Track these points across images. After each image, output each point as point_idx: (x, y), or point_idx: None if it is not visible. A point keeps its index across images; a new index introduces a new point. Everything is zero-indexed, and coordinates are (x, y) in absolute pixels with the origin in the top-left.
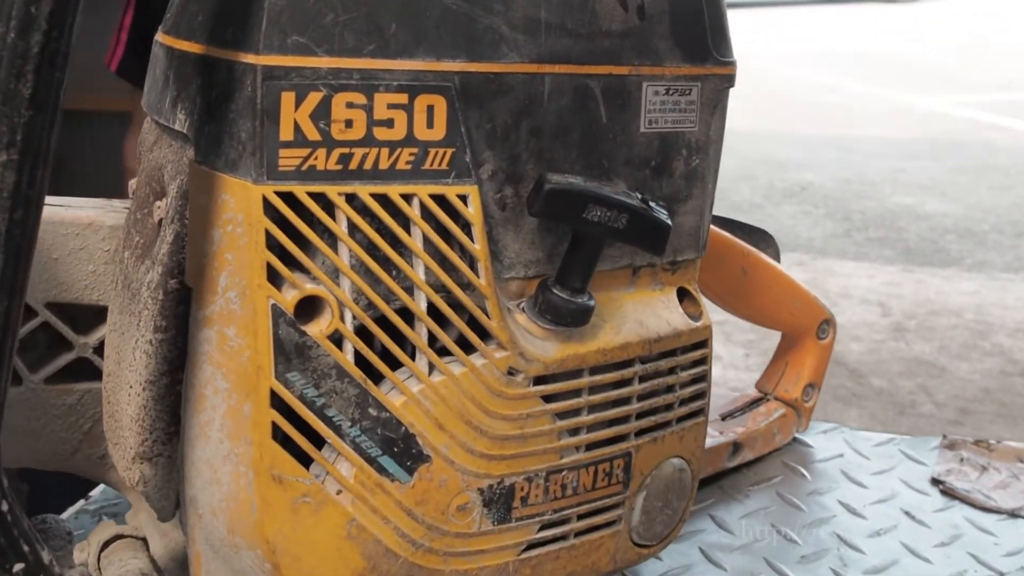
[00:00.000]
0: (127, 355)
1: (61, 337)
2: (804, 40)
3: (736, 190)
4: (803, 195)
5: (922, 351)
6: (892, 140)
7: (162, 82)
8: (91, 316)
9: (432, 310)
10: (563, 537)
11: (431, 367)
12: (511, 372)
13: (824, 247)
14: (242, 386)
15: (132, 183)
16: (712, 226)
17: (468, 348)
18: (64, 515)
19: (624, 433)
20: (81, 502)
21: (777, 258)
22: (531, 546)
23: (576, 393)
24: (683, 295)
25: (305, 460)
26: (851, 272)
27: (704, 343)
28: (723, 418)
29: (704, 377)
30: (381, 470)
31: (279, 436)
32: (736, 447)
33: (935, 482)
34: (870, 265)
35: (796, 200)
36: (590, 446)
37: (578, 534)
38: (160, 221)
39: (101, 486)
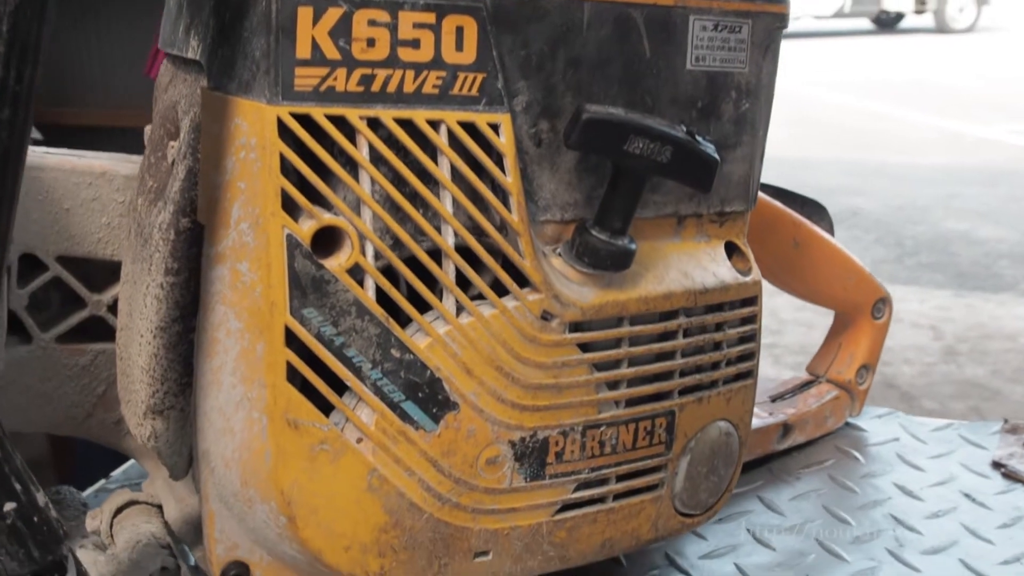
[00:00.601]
0: (139, 304)
1: (74, 294)
2: (857, 69)
3: None
4: (853, 221)
5: (975, 374)
6: (945, 167)
7: (175, 11)
8: (105, 272)
9: (460, 247)
10: (601, 499)
11: (459, 308)
12: (545, 316)
13: (874, 271)
14: (255, 324)
15: (147, 128)
16: (762, 194)
17: (499, 289)
18: (84, 493)
19: (667, 390)
20: (102, 481)
21: (831, 231)
22: (566, 507)
23: (615, 343)
24: (732, 250)
25: (323, 405)
26: (902, 296)
27: (754, 300)
28: (772, 400)
29: (753, 336)
30: (405, 417)
31: (295, 378)
32: (786, 429)
33: (996, 465)
34: (921, 289)
35: (846, 226)
36: (631, 402)
37: (617, 497)
38: (173, 161)
39: (123, 466)
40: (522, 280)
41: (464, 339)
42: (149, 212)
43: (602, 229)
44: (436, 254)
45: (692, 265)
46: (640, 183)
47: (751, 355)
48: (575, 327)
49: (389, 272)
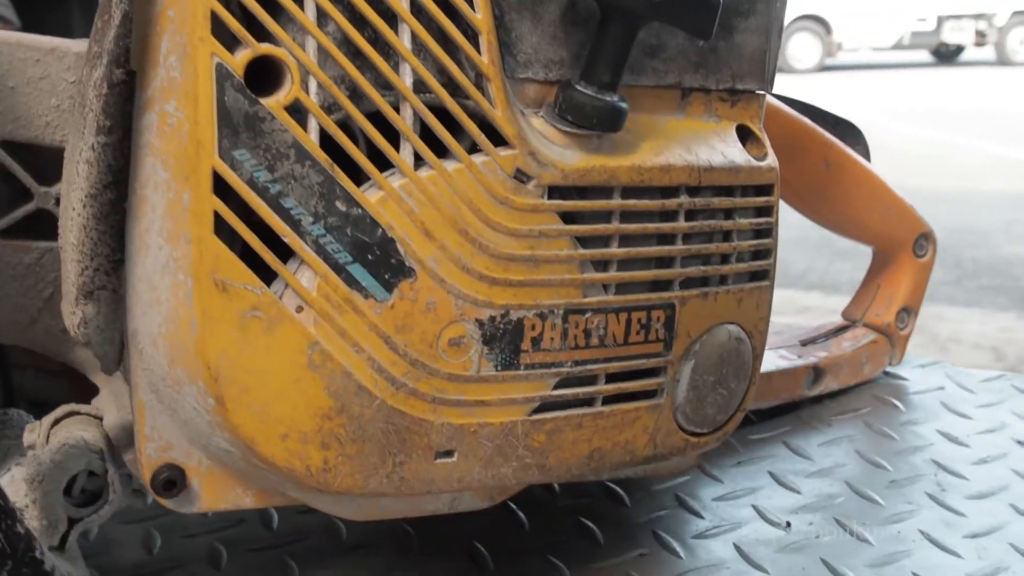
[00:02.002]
0: (72, 174)
1: (19, 185)
2: (916, 99)
3: (842, 238)
4: None
5: None
6: (1005, 194)
7: None
8: (54, 162)
9: (420, 88)
10: (588, 401)
11: (417, 159)
12: (519, 176)
13: (933, 293)
14: (181, 171)
15: None
16: (789, 109)
17: (467, 143)
18: None
19: (666, 279)
20: None
21: (867, 157)
22: (546, 406)
23: (604, 217)
24: (745, 135)
25: (257, 265)
26: (962, 318)
27: (770, 189)
28: (803, 344)
29: (769, 231)
30: (351, 282)
31: (224, 232)
32: (817, 373)
33: None
34: (982, 312)
35: None
36: (622, 287)
37: (608, 400)
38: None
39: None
40: (493, 133)
41: (422, 195)
42: (90, 76)
43: (588, 83)
44: (397, 107)
45: (697, 142)
46: (631, 28)
47: (767, 252)
48: (555, 192)
49: (345, 127)
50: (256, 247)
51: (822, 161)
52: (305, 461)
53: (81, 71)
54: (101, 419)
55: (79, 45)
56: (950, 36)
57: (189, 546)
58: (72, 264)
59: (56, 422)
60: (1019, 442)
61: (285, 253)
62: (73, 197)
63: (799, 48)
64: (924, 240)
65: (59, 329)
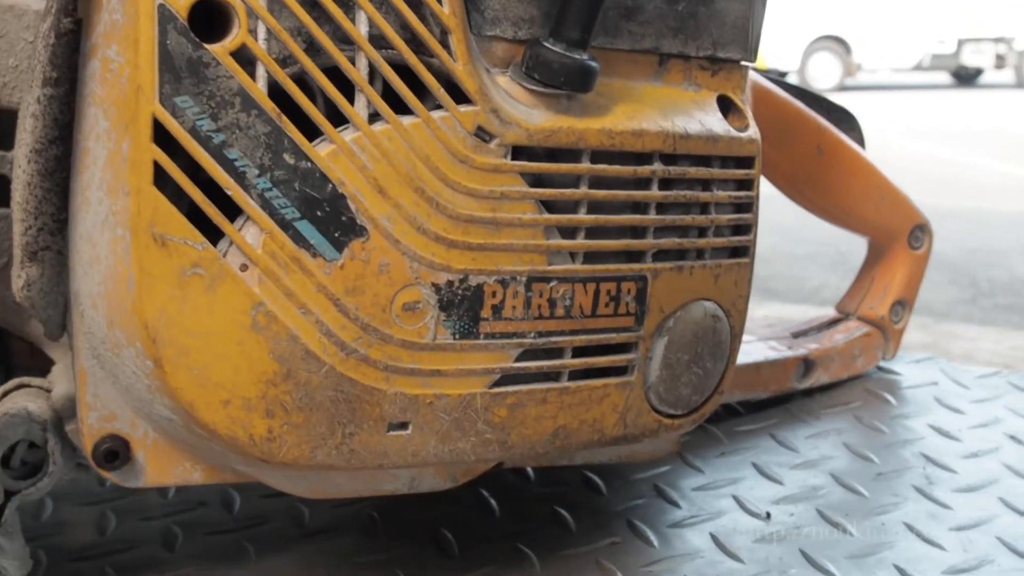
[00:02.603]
0: (20, 130)
1: None
2: (935, 119)
3: (859, 253)
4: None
5: None
6: (1022, 214)
7: None
8: (13, 125)
9: (379, 43)
10: (553, 375)
11: (372, 112)
12: (481, 134)
13: (948, 312)
14: (121, 119)
15: None
16: (782, 92)
17: (424, 96)
18: None
19: (638, 249)
20: None
21: (862, 144)
22: (507, 378)
23: (572, 182)
24: (727, 107)
25: (200, 221)
26: (976, 336)
27: (751, 162)
28: (795, 336)
29: (750, 206)
30: (299, 239)
31: (169, 188)
32: (807, 365)
33: None
34: (997, 330)
35: None
36: (591, 257)
37: (574, 375)
38: None
39: None
40: (453, 88)
41: (376, 150)
42: (40, 29)
43: (557, 40)
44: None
45: (674, 109)
46: None
47: (747, 228)
48: (519, 153)
49: (301, 82)
50: (197, 199)
51: (815, 146)
52: (248, 430)
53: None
54: (50, 391)
55: (39, 3)
56: (970, 59)
57: (144, 528)
58: (17, 224)
59: (5, 394)
60: (1012, 437)
61: (233, 210)
62: (19, 153)
63: (819, 68)
64: (920, 232)
65: (13, 300)
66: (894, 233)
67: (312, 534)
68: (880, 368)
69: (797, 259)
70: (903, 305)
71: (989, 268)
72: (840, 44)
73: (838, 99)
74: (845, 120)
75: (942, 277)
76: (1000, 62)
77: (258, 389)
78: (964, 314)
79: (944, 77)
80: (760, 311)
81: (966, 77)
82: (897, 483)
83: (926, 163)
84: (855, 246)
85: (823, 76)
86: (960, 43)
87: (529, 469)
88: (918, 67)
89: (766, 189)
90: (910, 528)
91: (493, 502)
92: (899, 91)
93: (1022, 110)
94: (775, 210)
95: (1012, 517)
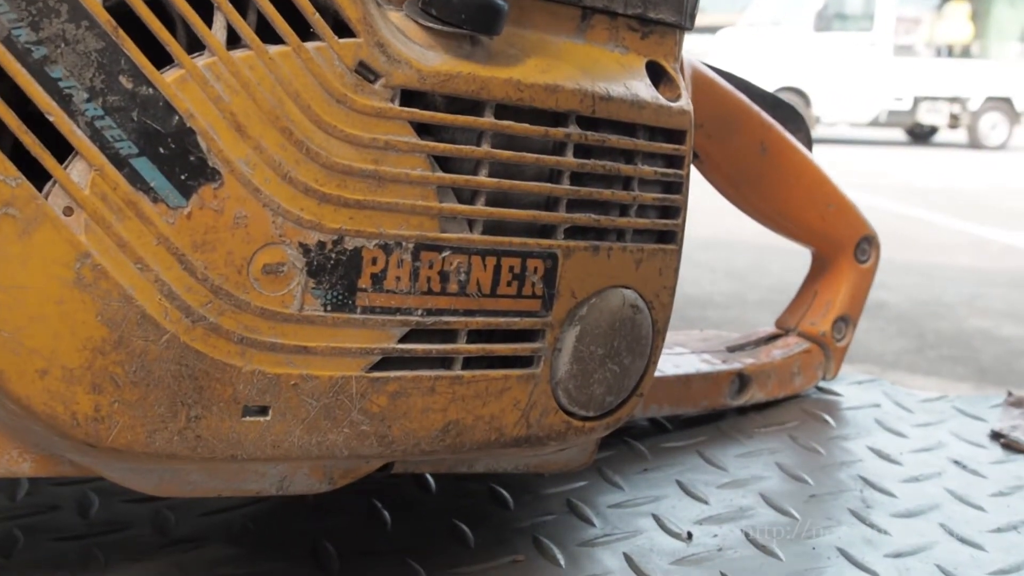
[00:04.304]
0: None
1: None
2: (889, 175)
3: None
4: (877, 312)
5: None
6: (971, 268)
7: None
8: None
9: None
10: (443, 361)
11: (231, 34)
12: (363, 71)
13: (895, 361)
14: None
15: None
16: (724, 82)
17: (298, 26)
18: None
19: (547, 222)
20: None
21: (808, 146)
22: (389, 361)
23: (473, 138)
24: (658, 76)
25: (18, 155)
26: (921, 386)
27: (681, 136)
28: (730, 350)
29: (679, 186)
30: (136, 179)
31: None
32: (742, 381)
33: (996, 436)
34: (941, 381)
35: (870, 316)
36: (491, 227)
37: (469, 363)
38: None
39: None
40: (331, 15)
41: (234, 79)
42: None
43: None
44: None
45: (596, 68)
46: None
47: (675, 211)
48: (410, 98)
49: (158, 7)
50: (16, 130)
51: (758, 144)
52: (70, 406)
53: None
54: None
55: None
56: (925, 117)
57: None
58: None
59: None
60: (956, 462)
61: (64, 148)
62: None
63: None
64: (867, 244)
65: None
66: (839, 244)
67: (175, 542)
68: (820, 388)
69: (751, 304)
70: (846, 322)
71: (937, 320)
72: (800, 96)
73: None
74: (791, 119)
75: (891, 328)
76: (954, 121)
77: (82, 358)
78: (910, 364)
79: (899, 134)
80: None
81: (921, 135)
82: (831, 506)
83: (881, 217)
84: None
85: None
86: (916, 101)
87: (430, 479)
88: (875, 122)
89: (717, 231)
90: (843, 553)
91: (385, 513)
92: (856, 145)
93: (973, 170)
94: (729, 255)
95: (953, 544)
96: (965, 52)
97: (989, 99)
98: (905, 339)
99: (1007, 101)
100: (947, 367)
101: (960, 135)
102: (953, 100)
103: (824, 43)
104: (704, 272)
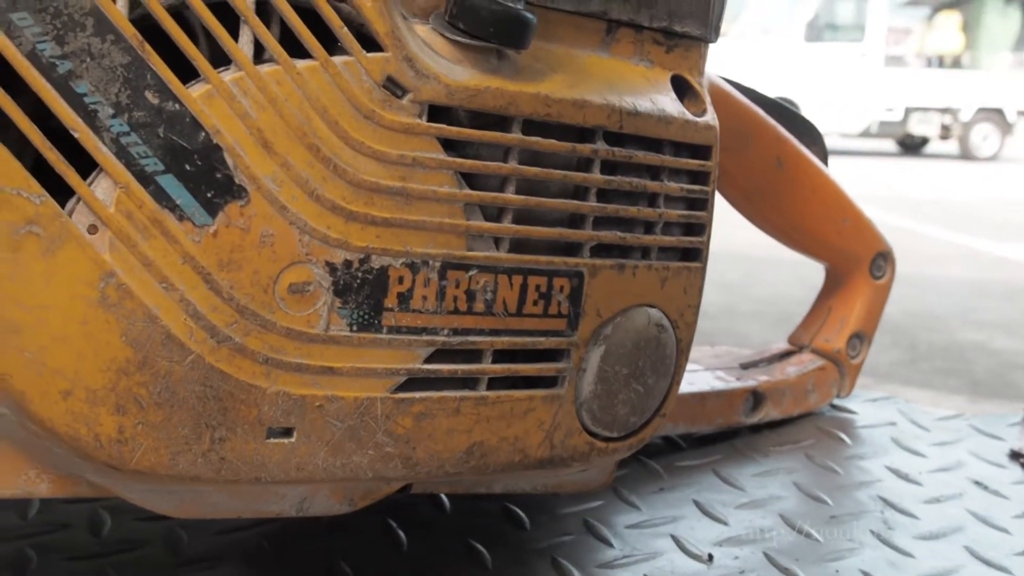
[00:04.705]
0: None
1: None
2: (880, 185)
3: (803, 314)
4: None
5: None
6: (964, 280)
7: None
8: None
9: None
10: (469, 382)
11: (259, 49)
12: (391, 87)
13: (889, 373)
14: None
15: None
16: (740, 96)
17: (325, 39)
18: None
19: (574, 240)
20: None
21: (824, 160)
22: (414, 382)
23: (500, 154)
24: (683, 90)
25: (40, 171)
26: (915, 398)
27: (707, 152)
28: (744, 367)
29: (704, 203)
30: (162, 197)
31: (11, 135)
32: (756, 398)
33: (1015, 455)
34: (935, 393)
35: None
36: (518, 245)
37: (494, 384)
38: None
39: None
40: (357, 27)
41: (261, 95)
42: None
43: None
44: None
45: (622, 83)
46: None
47: (700, 228)
48: (437, 113)
49: (180, 18)
50: (40, 146)
51: (774, 158)
52: (94, 428)
53: None
54: None
55: None
56: (916, 128)
57: None
58: None
59: None
60: (976, 482)
61: (89, 164)
62: None
63: None
64: (882, 260)
65: None
66: (855, 260)
67: (189, 562)
68: (834, 406)
69: (742, 316)
70: (861, 338)
71: (930, 332)
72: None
73: None
74: (808, 133)
75: (884, 339)
76: (945, 132)
77: (106, 379)
78: (904, 376)
79: (890, 145)
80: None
81: (912, 146)
82: (853, 527)
83: None
84: (800, 306)
85: None
86: (908, 112)
87: (444, 497)
88: (866, 133)
89: (712, 241)
90: None
91: (401, 533)
92: (847, 156)
93: (964, 181)
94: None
95: (979, 568)
96: (956, 63)
97: (980, 110)
98: (898, 351)
99: (998, 112)
100: (940, 379)
101: (951, 146)
102: (944, 111)
103: (815, 53)
104: None
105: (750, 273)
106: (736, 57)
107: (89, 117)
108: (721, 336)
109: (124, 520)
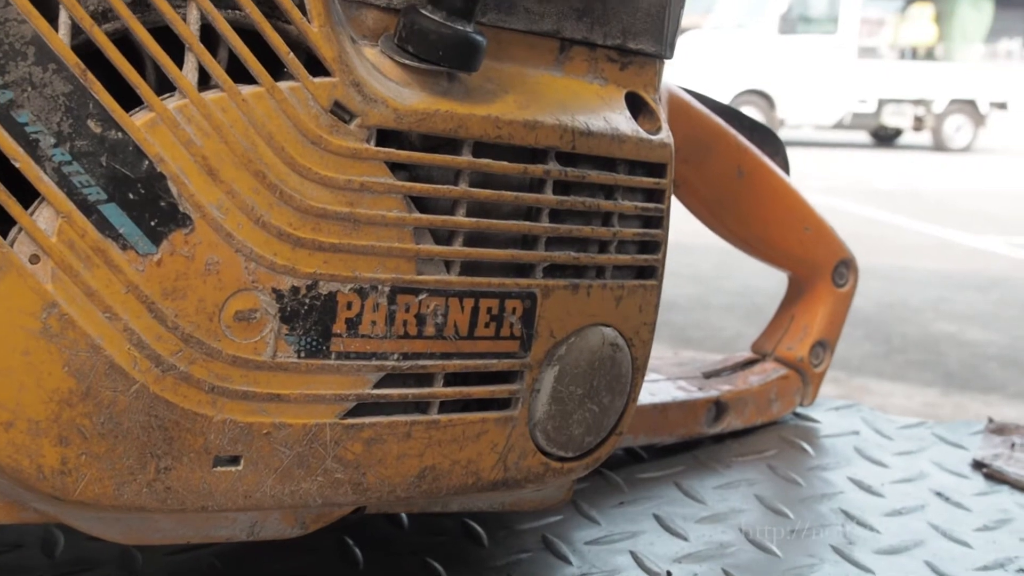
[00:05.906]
0: None
1: None
2: (854, 177)
3: (775, 306)
4: None
5: None
6: (937, 272)
7: None
8: None
9: (221, 3)
10: (420, 406)
11: (203, 75)
12: (338, 112)
13: (861, 366)
14: None
15: None
16: (700, 106)
17: (272, 64)
18: None
19: (526, 262)
20: None
21: (786, 170)
22: (364, 408)
23: (450, 177)
24: (638, 107)
25: None
26: (888, 392)
27: (661, 169)
28: (706, 376)
29: (660, 220)
30: (105, 226)
31: None
32: (719, 408)
33: (978, 465)
34: (908, 386)
35: None
36: (469, 267)
37: (446, 407)
38: None
39: None
40: (303, 52)
41: (206, 122)
42: None
43: (436, 8)
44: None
45: (575, 102)
46: None
47: (655, 245)
48: (386, 138)
49: (125, 44)
50: None
51: (735, 168)
52: (36, 459)
53: None
54: None
55: None
56: (890, 119)
57: None
58: None
59: None
60: (938, 494)
61: (31, 193)
62: None
63: None
64: (844, 268)
65: None
66: (817, 268)
67: None
68: (797, 415)
69: (714, 309)
70: (824, 347)
71: (903, 324)
72: (764, 99)
73: None
74: (769, 142)
75: (857, 332)
76: (919, 124)
77: (49, 410)
78: (877, 369)
79: (864, 136)
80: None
81: (885, 137)
82: (813, 542)
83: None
84: (771, 299)
85: None
86: (881, 103)
87: (403, 515)
88: (839, 125)
89: (681, 235)
90: None
91: (357, 551)
92: (821, 148)
93: (937, 172)
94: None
95: None
96: (929, 54)
97: (953, 101)
98: (871, 343)
99: (971, 103)
100: (914, 372)
101: (924, 137)
102: (917, 102)
103: (788, 46)
104: (667, 276)
105: (721, 264)
106: (710, 51)
107: (30, 147)
108: (693, 330)
109: (78, 540)
